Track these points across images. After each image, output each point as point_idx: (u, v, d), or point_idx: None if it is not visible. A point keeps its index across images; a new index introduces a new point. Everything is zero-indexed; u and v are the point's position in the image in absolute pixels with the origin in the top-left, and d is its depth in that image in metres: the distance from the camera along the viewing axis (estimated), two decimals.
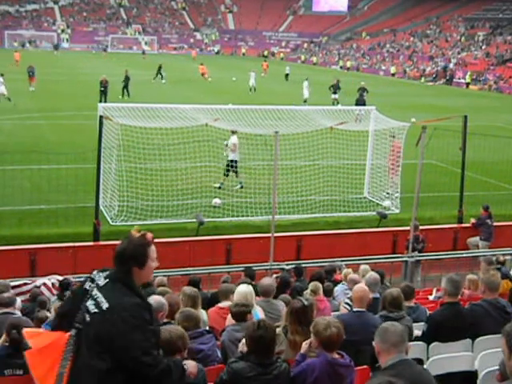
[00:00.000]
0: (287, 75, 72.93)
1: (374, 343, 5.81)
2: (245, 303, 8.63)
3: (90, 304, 5.47)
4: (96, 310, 5.40)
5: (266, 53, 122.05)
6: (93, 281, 5.64)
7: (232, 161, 23.69)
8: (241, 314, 8.43)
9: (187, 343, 6.57)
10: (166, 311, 7.81)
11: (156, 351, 5.43)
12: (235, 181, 23.99)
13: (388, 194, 23.30)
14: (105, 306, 5.36)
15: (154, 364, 5.29)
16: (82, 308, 5.52)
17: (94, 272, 5.74)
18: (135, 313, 5.32)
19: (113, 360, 5.25)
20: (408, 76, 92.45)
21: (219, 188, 23.31)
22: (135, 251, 5.57)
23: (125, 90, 49.85)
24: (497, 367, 6.37)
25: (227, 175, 23.75)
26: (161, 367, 5.35)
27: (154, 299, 7.85)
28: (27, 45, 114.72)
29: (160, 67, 65.53)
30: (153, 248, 5.66)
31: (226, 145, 23.92)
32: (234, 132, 23.46)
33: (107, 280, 5.58)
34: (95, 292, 5.50)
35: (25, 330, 6.20)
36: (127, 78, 49.97)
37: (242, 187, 23.46)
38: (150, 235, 5.67)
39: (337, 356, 6.66)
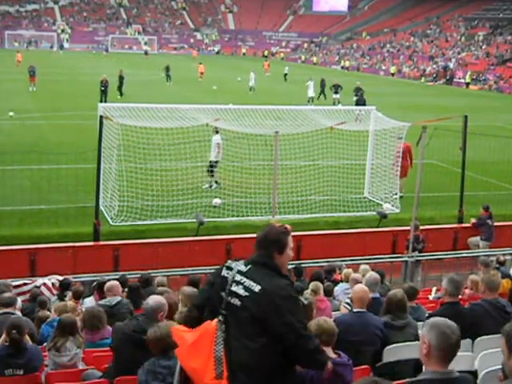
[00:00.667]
0: (286, 75, 72.87)
1: (421, 335, 5.23)
2: None
3: (236, 289, 5.65)
4: (247, 294, 5.57)
5: (266, 53, 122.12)
6: (230, 269, 5.82)
7: (211, 161, 23.65)
8: None
9: None
10: (165, 311, 7.82)
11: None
12: (207, 180, 23.99)
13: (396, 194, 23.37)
14: (256, 288, 5.55)
15: (308, 336, 5.59)
16: (226, 294, 5.70)
17: (229, 261, 5.94)
18: (289, 292, 5.58)
19: (269, 338, 5.47)
20: (408, 76, 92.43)
21: (219, 188, 23.29)
22: (277, 237, 5.86)
23: (120, 89, 49.90)
24: (497, 367, 6.36)
25: (212, 175, 23.78)
26: (316, 343, 5.66)
27: (153, 299, 7.88)
28: (27, 45, 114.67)
29: (168, 68, 64.50)
30: (291, 238, 5.93)
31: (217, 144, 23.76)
32: (217, 131, 23.46)
33: (250, 265, 5.78)
34: (239, 277, 5.69)
35: (173, 328, 6.28)
36: (121, 78, 50.01)
37: (210, 187, 23.50)
38: (289, 226, 6.19)
39: (334, 355, 6.66)
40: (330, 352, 6.66)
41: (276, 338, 5.47)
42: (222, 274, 5.81)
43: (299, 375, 6.54)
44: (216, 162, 23.65)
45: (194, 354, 5.74)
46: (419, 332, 8.84)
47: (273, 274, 5.68)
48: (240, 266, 5.79)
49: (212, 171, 23.64)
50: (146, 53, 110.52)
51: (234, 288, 5.66)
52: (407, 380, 5.33)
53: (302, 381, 6.53)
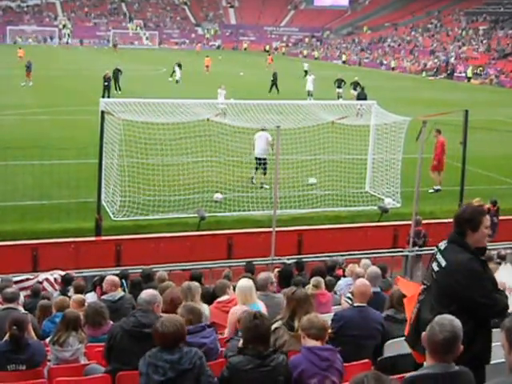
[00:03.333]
0: (306, 72, 67.56)
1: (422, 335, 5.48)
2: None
3: (434, 265, 6.51)
4: (438, 269, 6.42)
5: (267, 47, 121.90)
6: (437, 247, 6.61)
7: (263, 158, 23.81)
8: None
9: (185, 331, 6.71)
10: (159, 303, 8.04)
11: (493, 294, 6.28)
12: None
13: (438, 190, 24.18)
14: (443, 263, 6.37)
15: (491, 304, 6.19)
16: (430, 269, 6.61)
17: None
18: (468, 266, 6.21)
19: (457, 307, 6.08)
20: (409, 70, 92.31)
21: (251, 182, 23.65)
22: (472, 215, 6.37)
23: (117, 84, 49.98)
24: (499, 360, 6.39)
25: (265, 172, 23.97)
26: (497, 309, 6.25)
27: (145, 293, 8.09)
28: (29, 40, 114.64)
29: (179, 65, 61.86)
30: (487, 217, 6.47)
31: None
32: (263, 129, 23.59)
33: (447, 244, 6.51)
34: (438, 255, 6.48)
35: (399, 280, 7.85)
36: (116, 72, 50.06)
37: (262, 185, 23.75)
38: (486, 206, 6.48)
39: (319, 344, 6.81)
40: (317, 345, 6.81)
41: (461, 308, 6.06)
42: (434, 251, 6.67)
43: (291, 366, 6.67)
44: (265, 158, 23.75)
45: (408, 307, 6.90)
46: None
47: (460, 250, 6.33)
48: (442, 244, 6.56)
49: (265, 168, 23.74)
50: (114, 45, 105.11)
51: (433, 264, 6.51)
52: (408, 375, 5.39)
53: (290, 372, 6.65)
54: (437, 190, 24.16)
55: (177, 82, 58.98)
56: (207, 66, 69.80)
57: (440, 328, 5.22)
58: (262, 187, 23.45)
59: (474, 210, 6.43)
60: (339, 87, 50.17)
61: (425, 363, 5.48)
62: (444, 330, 5.21)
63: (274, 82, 55.12)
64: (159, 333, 6.49)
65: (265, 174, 23.80)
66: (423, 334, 5.36)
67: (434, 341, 5.21)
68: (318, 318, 6.99)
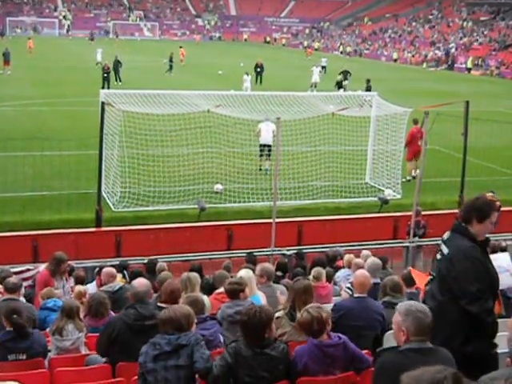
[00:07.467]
0: (324, 67, 64.97)
1: (396, 323, 5.64)
2: (238, 281, 8.82)
3: (438, 255, 6.70)
4: (440, 257, 6.61)
5: (267, 38, 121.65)
6: (442, 239, 6.74)
7: (268, 145, 23.98)
8: (233, 291, 8.68)
9: (193, 321, 6.86)
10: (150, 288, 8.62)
11: (476, 294, 6.21)
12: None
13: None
14: (445, 251, 6.53)
15: (467, 302, 6.20)
16: (434, 259, 6.84)
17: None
18: (467, 252, 6.33)
19: (451, 294, 6.32)
20: (410, 61, 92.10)
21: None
22: (482, 205, 6.44)
23: (117, 76, 49.88)
24: (504, 351, 6.41)
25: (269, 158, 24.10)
26: (480, 303, 6.18)
27: (138, 284, 8.36)
28: (30, 31, 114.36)
29: (171, 57, 60.92)
30: (496, 214, 6.50)
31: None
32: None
33: (450, 233, 6.65)
34: (442, 245, 6.66)
35: (413, 271, 8.37)
36: (116, 63, 49.88)
37: (266, 171, 23.99)
38: (498, 204, 6.65)
39: (325, 337, 6.78)
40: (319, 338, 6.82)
41: (454, 294, 6.29)
42: (439, 243, 6.79)
43: (293, 360, 6.68)
44: (270, 145, 23.80)
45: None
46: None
47: (461, 238, 6.45)
48: (446, 235, 6.71)
49: (270, 154, 23.83)
50: (91, 39, 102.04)
51: (437, 255, 6.70)
52: (380, 348, 5.61)
53: (295, 365, 6.66)
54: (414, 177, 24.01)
55: (97, 64, 57.71)
56: (183, 55, 69.73)
57: (424, 313, 5.54)
58: (266, 173, 23.49)
59: (486, 202, 6.46)
60: (345, 79, 49.23)
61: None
62: (427, 313, 5.56)
63: (260, 73, 54.40)
64: (162, 319, 6.74)
65: (269, 160, 23.88)
66: (404, 327, 5.53)
67: (424, 326, 5.48)
68: (318, 312, 6.93)
